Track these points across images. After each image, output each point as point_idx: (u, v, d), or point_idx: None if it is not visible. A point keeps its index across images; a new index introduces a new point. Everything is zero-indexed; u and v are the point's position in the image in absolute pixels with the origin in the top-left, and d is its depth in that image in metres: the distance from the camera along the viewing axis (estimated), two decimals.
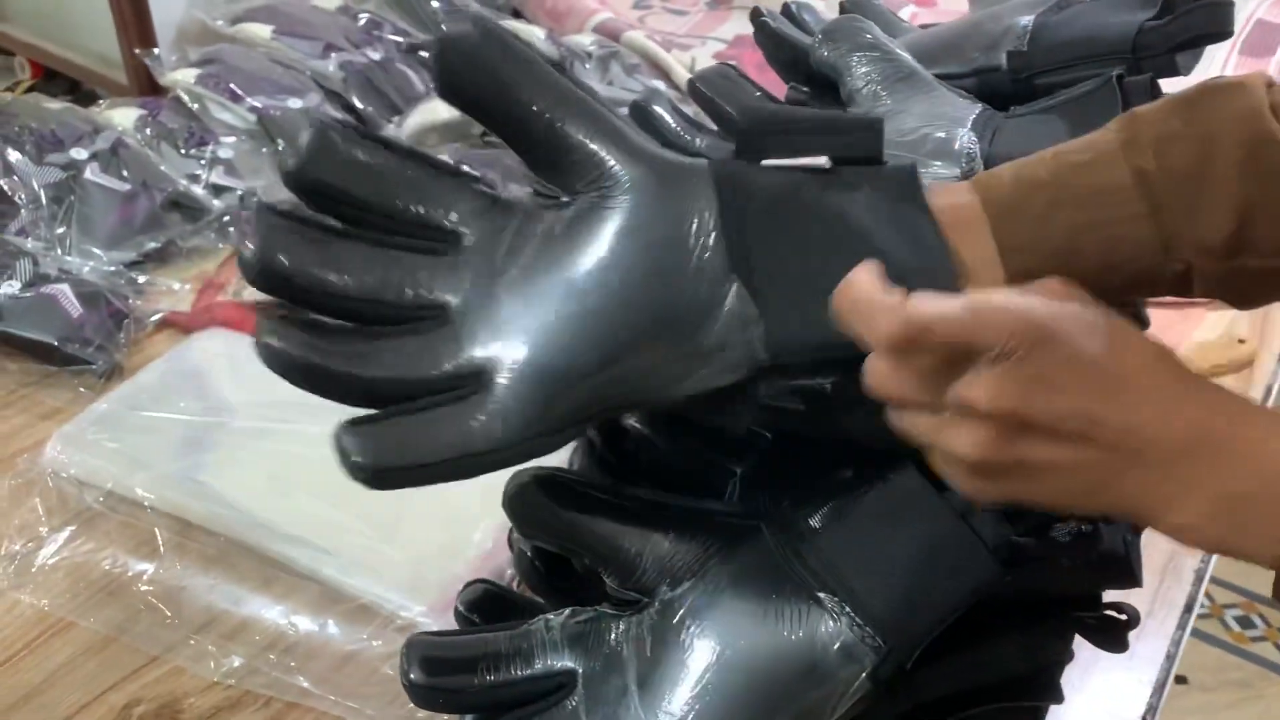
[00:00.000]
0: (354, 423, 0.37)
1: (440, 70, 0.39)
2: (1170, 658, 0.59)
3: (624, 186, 0.40)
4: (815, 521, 0.44)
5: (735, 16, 1.21)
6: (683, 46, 1.13)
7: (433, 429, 0.37)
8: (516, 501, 0.45)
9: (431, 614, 0.56)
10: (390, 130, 0.95)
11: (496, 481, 0.63)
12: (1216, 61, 0.56)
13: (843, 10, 0.68)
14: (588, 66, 0.99)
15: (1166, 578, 0.64)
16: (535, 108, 0.39)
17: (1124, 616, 0.48)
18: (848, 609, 0.41)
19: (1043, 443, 0.35)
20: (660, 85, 1.00)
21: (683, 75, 1.03)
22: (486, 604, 0.51)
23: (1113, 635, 0.49)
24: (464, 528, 0.60)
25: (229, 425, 0.68)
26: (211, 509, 0.62)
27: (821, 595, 0.42)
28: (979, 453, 0.35)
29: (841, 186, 0.41)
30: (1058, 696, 0.47)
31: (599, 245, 0.39)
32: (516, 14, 1.16)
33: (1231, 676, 1.54)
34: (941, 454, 0.37)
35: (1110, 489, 0.35)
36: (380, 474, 0.37)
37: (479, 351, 0.38)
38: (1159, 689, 0.58)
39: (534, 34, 1.03)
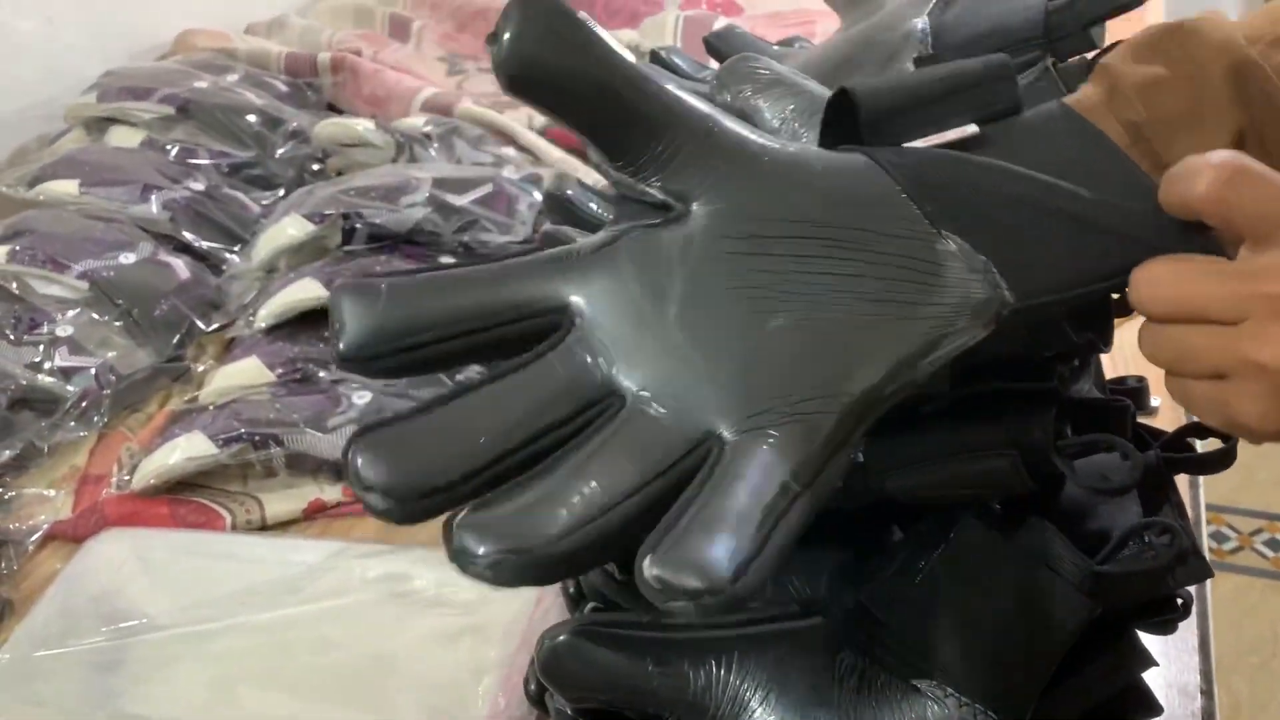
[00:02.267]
0: (654, 549, 0.28)
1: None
2: (1204, 615, 0.58)
3: (750, 173, 0.33)
4: (884, 603, 0.40)
5: None
6: (514, 104, 1.08)
7: (725, 507, 0.28)
8: (554, 666, 0.40)
9: None
10: (238, 264, 0.88)
11: (485, 624, 0.58)
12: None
13: (708, 47, 0.65)
14: (432, 151, 0.93)
15: None
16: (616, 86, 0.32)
17: (1180, 602, 0.47)
18: (950, 690, 0.38)
19: None
20: (509, 151, 0.96)
21: (526, 135, 0.99)
22: None
23: (1169, 622, 0.48)
24: (465, 689, 0.54)
25: (156, 639, 0.60)
26: None
27: (917, 682, 0.39)
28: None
29: (1002, 142, 0.37)
30: (1156, 708, 0.45)
31: (760, 249, 0.32)
32: (332, 107, 1.10)
33: (1219, 593, 1.59)
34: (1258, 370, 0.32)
35: None
36: (734, 582, 0.27)
37: (693, 417, 0.30)
38: (1204, 647, 0.57)
39: (363, 125, 0.97)
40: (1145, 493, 0.44)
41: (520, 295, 0.32)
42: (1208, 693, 0.54)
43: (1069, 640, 0.39)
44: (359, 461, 0.29)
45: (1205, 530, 0.64)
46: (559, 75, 0.32)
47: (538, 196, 0.86)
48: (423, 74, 1.15)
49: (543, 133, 1.01)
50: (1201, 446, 0.49)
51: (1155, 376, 0.77)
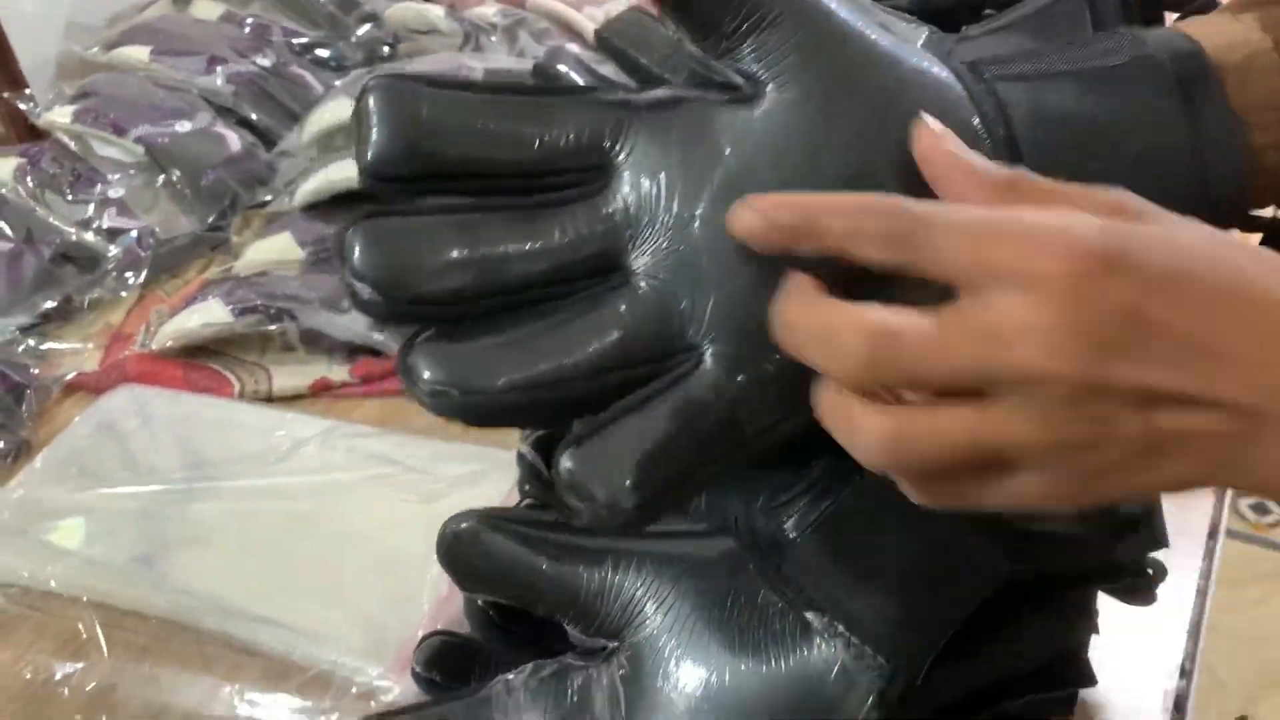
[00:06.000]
0: (572, 444, 0.28)
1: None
2: (1202, 594, 0.54)
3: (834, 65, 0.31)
4: (791, 529, 0.38)
5: None
6: (596, 1, 1.06)
7: (659, 431, 0.28)
8: (451, 554, 0.40)
9: (391, 674, 0.50)
10: (291, 139, 0.88)
11: (452, 511, 0.58)
12: None
13: None
14: (494, 39, 0.92)
15: (1184, 503, 0.58)
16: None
17: (1149, 572, 0.43)
18: (840, 628, 0.36)
19: (1139, 411, 0.25)
20: (573, 48, 0.93)
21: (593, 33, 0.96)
22: (445, 659, 0.46)
23: (1138, 591, 0.44)
24: (414, 574, 0.54)
25: (148, 493, 0.62)
26: (138, 593, 0.56)
27: (809, 615, 0.36)
28: (1050, 433, 0.25)
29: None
30: (1089, 679, 0.42)
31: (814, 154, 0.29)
32: None
33: (1261, 569, 1.49)
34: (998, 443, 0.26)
35: (1243, 461, 0.26)
36: (636, 509, 0.28)
37: (678, 323, 0.28)
38: (1194, 632, 0.53)
39: (434, 11, 0.96)
40: None
41: (565, 134, 0.29)
42: (1188, 675, 0.51)
43: (979, 595, 0.36)
44: (356, 250, 0.28)
45: (1226, 508, 0.60)
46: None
47: None
48: None
49: None
50: None
51: None
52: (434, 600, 0.53)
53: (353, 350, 0.72)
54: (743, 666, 0.36)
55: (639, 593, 0.38)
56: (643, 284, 0.29)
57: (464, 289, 0.28)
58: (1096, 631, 0.41)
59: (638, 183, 0.29)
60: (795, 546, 0.38)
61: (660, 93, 0.31)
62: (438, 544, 0.40)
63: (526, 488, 0.46)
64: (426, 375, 0.28)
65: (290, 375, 0.70)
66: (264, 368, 0.71)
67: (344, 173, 0.79)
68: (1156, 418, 0.25)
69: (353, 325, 0.70)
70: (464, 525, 0.39)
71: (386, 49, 0.99)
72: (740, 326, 0.28)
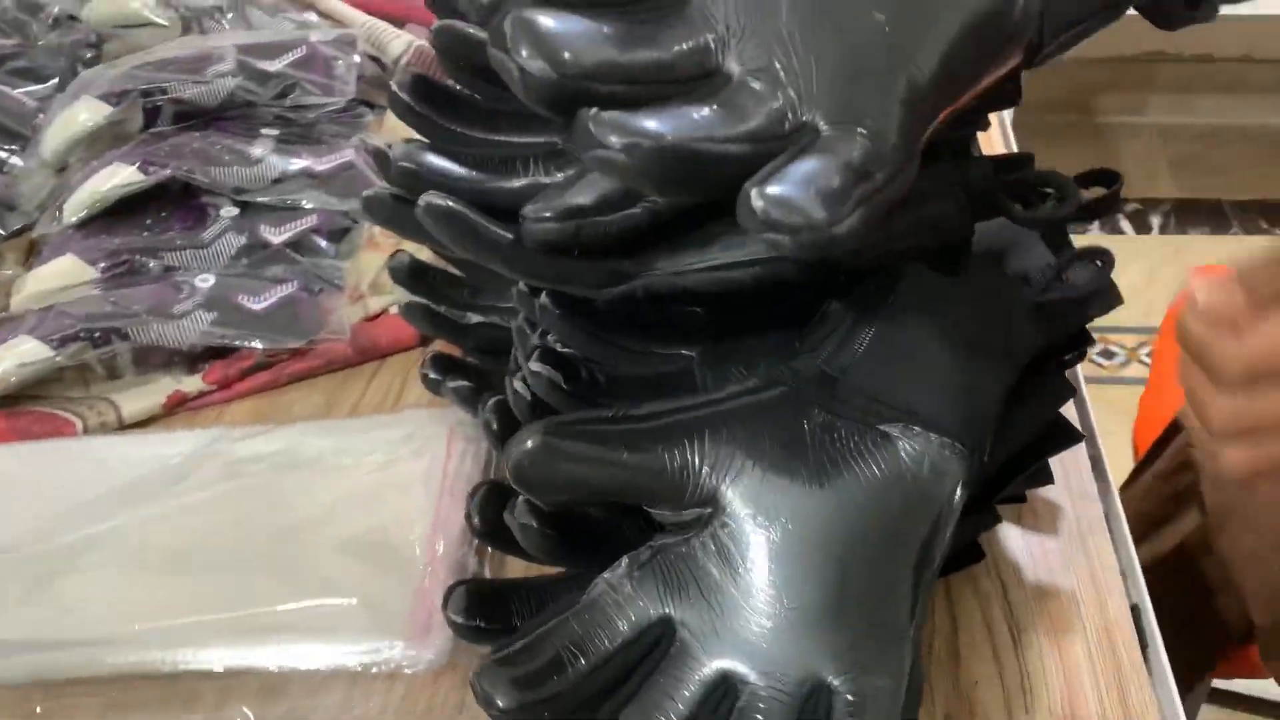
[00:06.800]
0: (759, 183, 0.30)
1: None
2: (1075, 378, 0.62)
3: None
4: (838, 362, 0.41)
5: None
6: None
7: (824, 164, 0.30)
8: (527, 473, 0.39)
9: (414, 644, 0.48)
10: (22, 164, 0.79)
11: (401, 479, 0.56)
12: None
13: None
14: (225, 24, 0.86)
15: None
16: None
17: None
18: (917, 429, 0.39)
19: None
20: (311, 17, 0.89)
21: (327, 2, 0.92)
22: (482, 603, 0.45)
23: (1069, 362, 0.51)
24: (396, 536, 0.52)
25: (30, 555, 0.54)
26: (76, 658, 0.49)
27: (884, 428, 0.40)
28: None
29: None
30: (1077, 436, 0.48)
31: None
32: None
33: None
34: None
35: None
36: (830, 224, 0.30)
37: (792, 111, 0.31)
38: (1082, 404, 0.61)
39: (139, 1, 0.88)
40: (1049, 241, 0.47)
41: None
42: (1092, 441, 0.59)
43: (1016, 371, 0.40)
44: (524, 36, 0.30)
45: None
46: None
47: (355, 58, 0.81)
48: None
49: None
50: None
51: None
52: (429, 560, 0.51)
53: (193, 360, 0.66)
54: (841, 485, 0.39)
55: (720, 453, 0.39)
56: (747, 77, 0.32)
57: (618, 86, 0.31)
58: (1075, 392, 0.47)
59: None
60: (848, 374, 0.40)
61: None
62: (509, 462, 0.39)
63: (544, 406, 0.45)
64: (613, 137, 0.30)
65: (138, 397, 0.64)
66: (103, 399, 0.64)
67: (112, 180, 0.72)
68: None
69: (193, 326, 0.64)
70: (531, 442, 0.39)
71: (90, 53, 0.90)
72: (843, 94, 0.31)
